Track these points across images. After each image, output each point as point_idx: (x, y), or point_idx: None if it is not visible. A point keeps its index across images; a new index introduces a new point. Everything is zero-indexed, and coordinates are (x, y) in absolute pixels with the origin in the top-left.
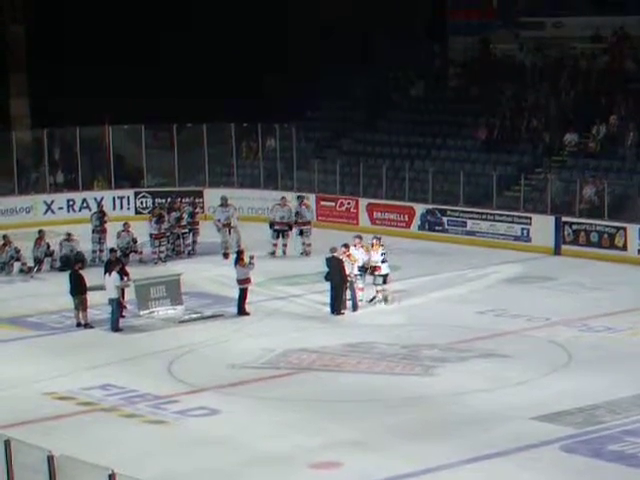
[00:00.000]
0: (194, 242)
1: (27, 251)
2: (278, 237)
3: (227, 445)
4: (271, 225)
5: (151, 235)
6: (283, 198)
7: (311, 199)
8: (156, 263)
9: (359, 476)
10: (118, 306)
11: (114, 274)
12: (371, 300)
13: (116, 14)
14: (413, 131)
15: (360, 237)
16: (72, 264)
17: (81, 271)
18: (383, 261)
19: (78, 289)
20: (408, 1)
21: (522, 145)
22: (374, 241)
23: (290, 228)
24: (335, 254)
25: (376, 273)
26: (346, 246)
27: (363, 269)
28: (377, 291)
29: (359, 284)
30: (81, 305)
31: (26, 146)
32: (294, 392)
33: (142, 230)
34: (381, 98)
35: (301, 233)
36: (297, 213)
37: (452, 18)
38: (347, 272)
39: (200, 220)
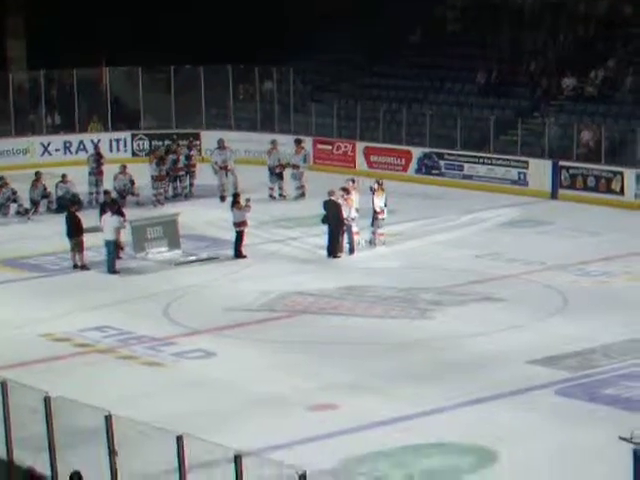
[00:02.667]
0: (191, 185)
1: (24, 193)
2: (276, 180)
3: (223, 387)
4: (269, 169)
5: (152, 177)
6: (274, 141)
7: (308, 142)
8: (155, 205)
9: (355, 418)
10: (115, 248)
11: (114, 216)
12: (369, 243)
13: None
14: (411, 75)
15: (353, 180)
16: (68, 206)
17: (77, 213)
18: (385, 206)
19: (74, 231)
20: None
21: (520, 89)
22: (376, 186)
23: (284, 169)
24: (333, 197)
25: (379, 217)
26: (345, 189)
27: (358, 212)
28: (379, 234)
29: (354, 227)
30: (78, 247)
31: (23, 87)
32: (290, 335)
33: (139, 172)
34: (380, 43)
35: (292, 177)
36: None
37: None
38: (345, 215)
39: (197, 162)
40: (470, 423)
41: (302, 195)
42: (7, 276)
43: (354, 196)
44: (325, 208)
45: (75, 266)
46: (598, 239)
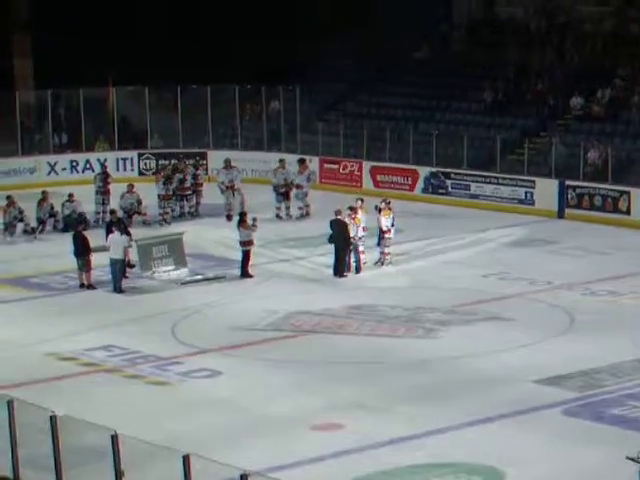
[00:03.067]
0: (197, 204)
1: (31, 212)
2: (282, 200)
3: (229, 407)
4: (275, 188)
5: (159, 196)
6: (282, 160)
7: (314, 162)
8: (161, 225)
9: (361, 438)
10: (122, 267)
11: (123, 235)
12: (376, 263)
13: None
14: (417, 94)
15: (362, 200)
16: (75, 225)
17: (84, 232)
18: (392, 225)
19: (82, 250)
20: None
21: (526, 108)
22: (382, 205)
23: (290, 189)
24: (339, 217)
25: (386, 236)
26: (352, 209)
27: (366, 231)
28: (385, 254)
29: (361, 247)
30: (85, 266)
31: (29, 106)
32: (297, 354)
33: (146, 192)
34: (386, 61)
35: (295, 196)
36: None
37: None
38: (351, 235)
39: (204, 182)
40: (477, 443)
41: (306, 215)
42: (13, 295)
43: (361, 215)
44: (332, 227)
45: (82, 285)
46: (605, 259)
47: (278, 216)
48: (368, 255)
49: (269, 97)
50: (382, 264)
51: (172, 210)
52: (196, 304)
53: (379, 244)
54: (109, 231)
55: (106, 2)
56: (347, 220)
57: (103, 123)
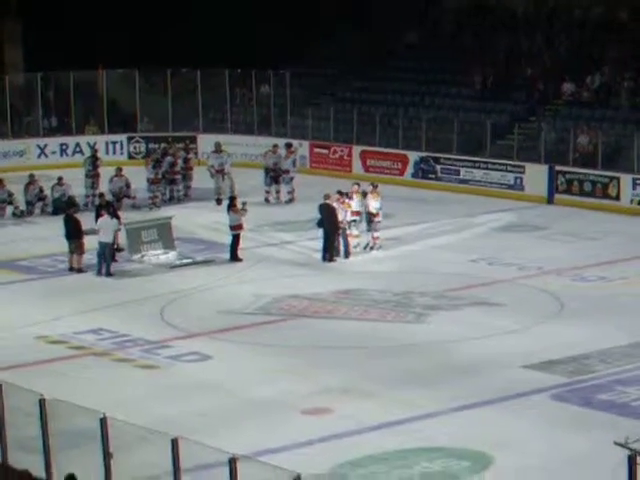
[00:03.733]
0: (188, 187)
1: (20, 195)
2: (272, 183)
3: (219, 390)
4: (265, 171)
5: (148, 179)
6: (275, 145)
7: (305, 146)
8: (151, 208)
9: (349, 422)
10: (112, 250)
11: (113, 219)
12: (366, 247)
13: None
14: (407, 79)
15: (358, 184)
16: (66, 208)
17: (76, 215)
18: (380, 209)
19: (74, 233)
20: None
21: (516, 94)
22: (370, 189)
23: (280, 174)
24: (328, 201)
25: (375, 220)
26: (340, 193)
27: (360, 215)
28: (374, 238)
29: (354, 231)
30: (78, 249)
31: (19, 89)
32: (286, 338)
33: (135, 175)
34: (376, 46)
35: (283, 181)
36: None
37: None
38: (340, 219)
39: (194, 166)
40: (465, 427)
41: (292, 200)
42: (2, 278)
43: (357, 200)
44: (320, 212)
45: (71, 269)
46: (594, 244)
47: (267, 200)
48: (364, 239)
49: (259, 81)
50: (372, 248)
51: (162, 194)
52: (185, 288)
53: (369, 229)
54: (98, 214)
55: None
56: (335, 204)
57: (93, 106)
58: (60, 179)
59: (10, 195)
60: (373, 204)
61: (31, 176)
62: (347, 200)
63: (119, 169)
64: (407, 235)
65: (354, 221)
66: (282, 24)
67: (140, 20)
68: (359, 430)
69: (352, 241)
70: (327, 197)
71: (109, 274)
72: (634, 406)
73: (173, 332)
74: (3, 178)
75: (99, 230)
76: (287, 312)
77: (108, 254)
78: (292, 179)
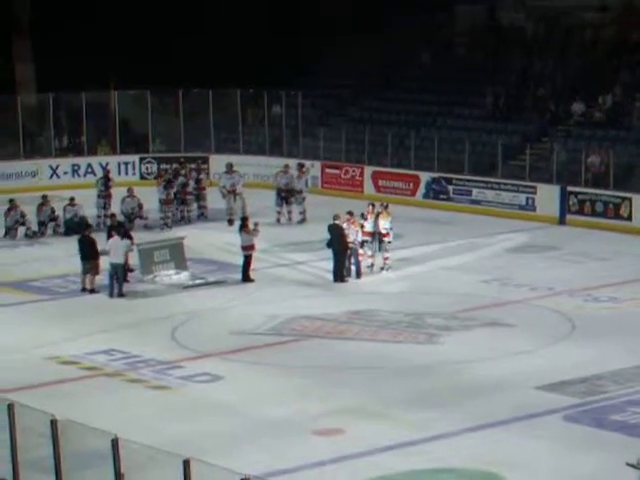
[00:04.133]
0: (204, 207)
1: (32, 216)
2: (283, 204)
3: (231, 411)
4: (278, 192)
5: (160, 200)
6: (286, 165)
7: (316, 166)
8: (162, 229)
9: (361, 443)
10: (124, 271)
11: (124, 239)
12: (381, 268)
13: None
14: (419, 99)
15: (373, 205)
16: (81, 229)
17: (92, 235)
18: (390, 229)
19: (91, 254)
20: None
21: (528, 114)
22: (381, 209)
23: (293, 195)
24: (337, 221)
25: (385, 240)
26: (350, 213)
27: (373, 236)
28: (385, 258)
29: (368, 251)
30: (93, 270)
31: (31, 110)
32: (297, 359)
33: (147, 196)
34: (388, 67)
35: (295, 201)
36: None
37: None
38: (350, 239)
39: (206, 186)
40: (477, 449)
41: (304, 220)
42: (14, 299)
43: (370, 220)
44: (329, 232)
45: (84, 289)
46: (606, 265)
47: (278, 220)
48: (377, 259)
49: (271, 102)
50: (382, 269)
51: (172, 214)
52: (197, 308)
53: (380, 249)
54: (109, 235)
55: (107, 7)
56: (345, 225)
57: (105, 127)
58: (72, 199)
59: (23, 216)
60: (383, 224)
61: (44, 197)
62: (361, 220)
63: (131, 189)
64: (419, 256)
65: (367, 241)
66: (294, 45)
67: (152, 40)
68: (371, 451)
69: (365, 261)
70: (336, 217)
71: (121, 295)
72: None
73: (185, 353)
74: (15, 199)
75: (109, 251)
76: (299, 333)
77: (120, 275)
78: (304, 199)
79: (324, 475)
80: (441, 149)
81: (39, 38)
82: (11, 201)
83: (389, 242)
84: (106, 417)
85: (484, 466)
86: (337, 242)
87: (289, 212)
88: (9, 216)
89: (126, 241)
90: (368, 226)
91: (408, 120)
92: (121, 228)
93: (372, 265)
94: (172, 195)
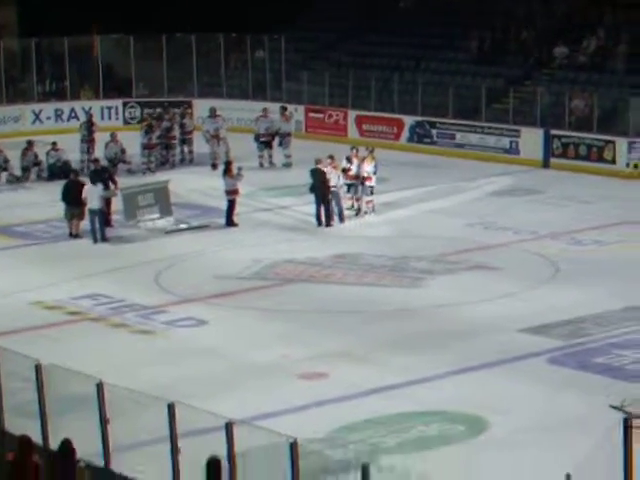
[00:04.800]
0: (190, 152)
1: (15, 161)
2: (264, 149)
3: (215, 355)
4: (256, 137)
5: (142, 145)
6: (265, 109)
7: (300, 110)
8: (144, 173)
9: (346, 387)
10: (102, 216)
11: (97, 184)
12: (365, 212)
13: None
14: (403, 43)
15: (357, 149)
16: (66, 173)
17: (80, 180)
18: (374, 173)
19: (77, 199)
20: None
21: (511, 57)
22: (366, 153)
23: (273, 138)
24: (319, 166)
25: (367, 184)
26: (331, 157)
27: (358, 179)
28: (367, 202)
29: (354, 195)
30: (80, 215)
31: (14, 55)
32: (281, 303)
33: (130, 140)
34: (371, 10)
35: (280, 144)
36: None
37: None
38: (333, 183)
39: (192, 130)
40: (462, 392)
41: (288, 165)
42: None
43: (356, 164)
44: (312, 176)
45: (71, 234)
46: (590, 208)
47: (261, 165)
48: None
49: (254, 46)
50: (365, 212)
51: (155, 159)
52: (181, 253)
53: (363, 192)
54: (93, 180)
55: None
56: (327, 169)
57: (88, 72)
58: (54, 144)
59: (6, 161)
60: (366, 167)
61: (29, 142)
62: (347, 164)
63: (114, 134)
64: (403, 199)
65: (352, 185)
66: None
67: None
68: (355, 394)
69: (348, 204)
70: (318, 162)
71: (104, 239)
72: (630, 369)
73: (169, 297)
74: None
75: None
76: (283, 277)
77: (99, 220)
78: (289, 142)
79: (309, 418)
80: (425, 93)
81: None
82: None
83: (371, 186)
84: (90, 362)
85: (468, 409)
86: (319, 186)
87: (270, 156)
88: None
89: (100, 185)
90: (354, 169)
91: (392, 64)
92: (105, 173)
93: (358, 209)
94: (154, 140)
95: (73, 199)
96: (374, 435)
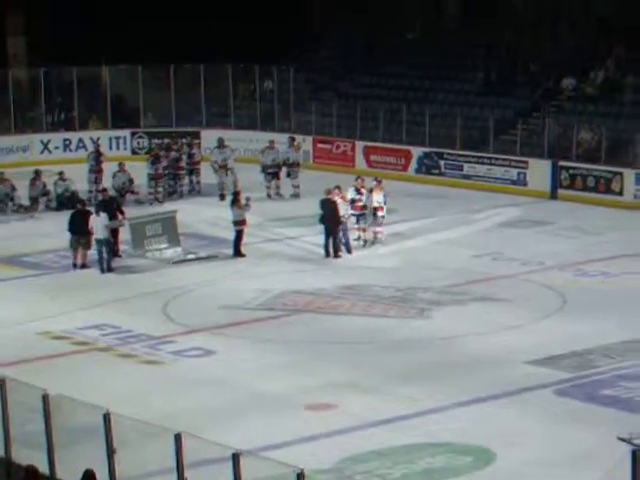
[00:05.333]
0: (197, 182)
1: (23, 190)
2: (272, 180)
3: (223, 385)
4: (263, 169)
5: (148, 175)
6: (271, 141)
7: (308, 141)
8: (151, 204)
9: (353, 418)
10: (108, 246)
11: (102, 214)
12: (366, 243)
13: None
14: (411, 74)
15: (362, 179)
16: (73, 203)
17: (88, 210)
18: (384, 203)
19: (83, 228)
20: None
21: (520, 89)
22: (374, 183)
23: (280, 169)
24: (329, 196)
25: (378, 214)
26: (339, 188)
27: (367, 210)
28: (377, 232)
29: (362, 225)
30: (87, 245)
31: (22, 84)
32: (289, 333)
33: (138, 170)
34: (379, 41)
35: (288, 175)
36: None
37: None
38: (341, 214)
39: (200, 160)
40: (469, 423)
41: (296, 195)
42: (6, 274)
43: (365, 194)
44: (322, 207)
45: (74, 265)
46: (597, 239)
47: (269, 195)
48: (369, 233)
49: (263, 76)
50: (373, 243)
51: (164, 189)
52: (188, 283)
53: (373, 223)
54: (99, 210)
55: None
56: (337, 199)
57: (96, 102)
58: (61, 174)
59: (14, 189)
60: (376, 198)
61: (37, 172)
62: (356, 195)
63: (122, 164)
64: (410, 230)
65: (361, 215)
66: (286, 19)
67: (143, 15)
68: (363, 425)
69: (353, 235)
70: (328, 192)
71: (110, 270)
72: (638, 401)
73: (176, 327)
74: (4, 173)
75: (94, 227)
76: (290, 307)
77: (106, 250)
78: (298, 173)
79: (315, 449)
80: (433, 124)
81: (31, 11)
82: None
83: (382, 216)
84: (98, 392)
85: (475, 441)
86: (330, 217)
87: (277, 187)
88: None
89: (103, 216)
90: (363, 199)
91: (399, 95)
92: (113, 203)
93: (365, 240)
94: (161, 170)
95: (79, 229)
96: (380, 467)
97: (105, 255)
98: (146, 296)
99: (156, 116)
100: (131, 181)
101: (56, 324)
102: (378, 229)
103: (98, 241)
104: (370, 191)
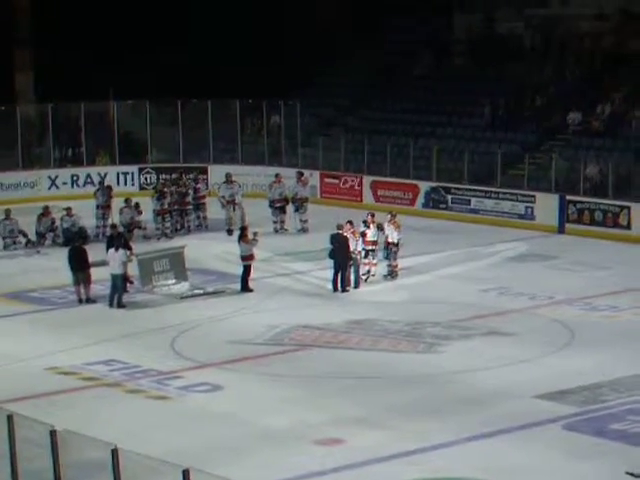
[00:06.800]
0: (204, 218)
1: (31, 226)
2: (279, 214)
3: (231, 421)
4: (270, 203)
5: (154, 211)
6: (278, 175)
7: (315, 176)
8: (159, 239)
9: (362, 453)
10: (123, 282)
11: (120, 250)
12: (387, 275)
13: None
14: (418, 109)
15: (373, 215)
16: (76, 239)
17: (84, 246)
18: (400, 239)
19: (80, 264)
20: None
21: (527, 124)
22: (389, 218)
23: (287, 203)
24: (341, 231)
25: (394, 249)
26: (350, 222)
27: (376, 245)
28: (394, 266)
29: (373, 260)
30: (85, 281)
31: (30, 121)
32: (297, 368)
33: (146, 206)
34: (386, 77)
35: (297, 209)
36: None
37: None
38: (351, 248)
39: (206, 195)
40: (477, 458)
41: (304, 230)
42: (13, 309)
43: (373, 230)
44: (332, 242)
45: (80, 300)
46: (605, 273)
47: (276, 230)
48: (380, 268)
49: (270, 112)
50: (391, 277)
51: (172, 224)
52: (196, 318)
53: (387, 257)
54: (109, 245)
55: (106, 17)
56: (348, 234)
57: (104, 137)
58: (68, 209)
59: (21, 233)
60: (394, 234)
61: (45, 207)
62: (365, 230)
63: (128, 200)
64: (418, 265)
65: (372, 251)
66: (293, 54)
67: (151, 51)
68: (371, 461)
69: (364, 269)
70: (340, 227)
71: (120, 305)
72: None
73: (184, 363)
74: (10, 209)
75: (108, 262)
76: (299, 342)
77: (119, 285)
78: (306, 208)
79: None
80: (440, 158)
81: (38, 48)
82: (7, 211)
83: (396, 252)
84: (105, 427)
85: (484, 475)
86: (341, 252)
87: (282, 222)
88: (5, 226)
89: (122, 251)
90: (370, 235)
91: (407, 130)
92: (122, 238)
93: (368, 272)
94: (166, 205)
95: (78, 265)
96: None
97: (118, 290)
98: (154, 331)
99: (163, 151)
100: (140, 212)
101: (63, 359)
102: (394, 262)
103: (114, 277)
104: (379, 227)
